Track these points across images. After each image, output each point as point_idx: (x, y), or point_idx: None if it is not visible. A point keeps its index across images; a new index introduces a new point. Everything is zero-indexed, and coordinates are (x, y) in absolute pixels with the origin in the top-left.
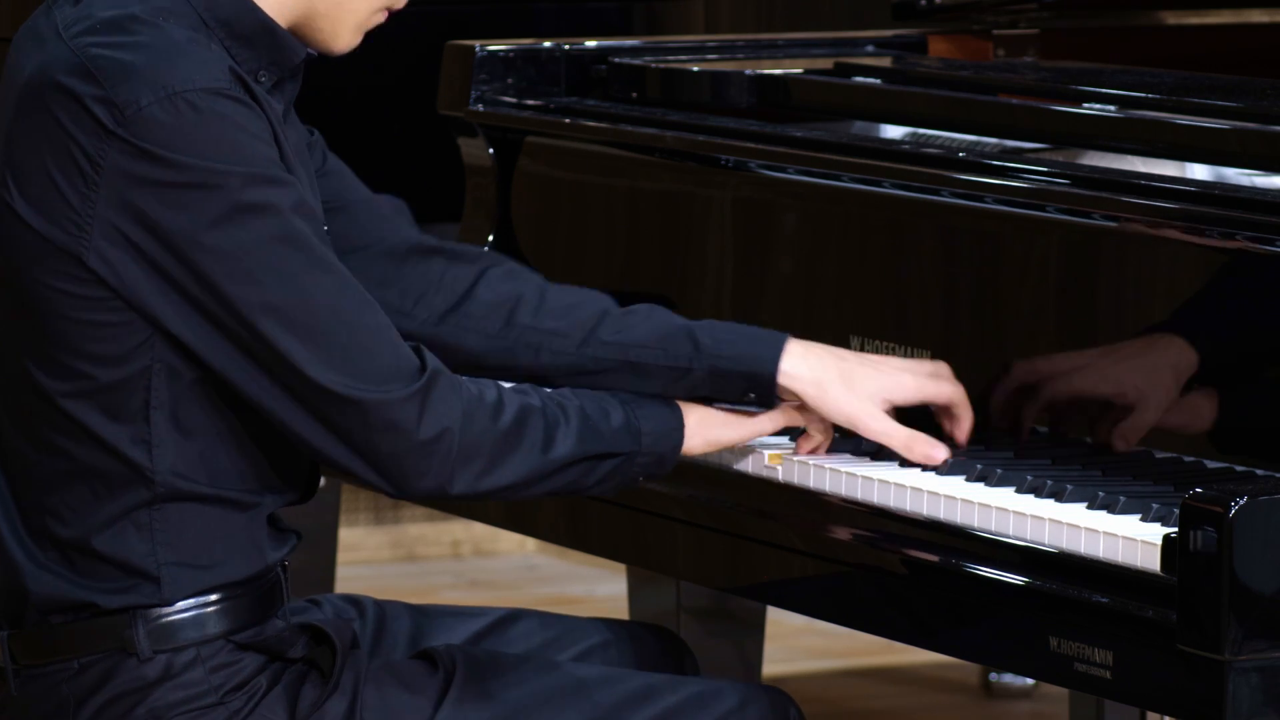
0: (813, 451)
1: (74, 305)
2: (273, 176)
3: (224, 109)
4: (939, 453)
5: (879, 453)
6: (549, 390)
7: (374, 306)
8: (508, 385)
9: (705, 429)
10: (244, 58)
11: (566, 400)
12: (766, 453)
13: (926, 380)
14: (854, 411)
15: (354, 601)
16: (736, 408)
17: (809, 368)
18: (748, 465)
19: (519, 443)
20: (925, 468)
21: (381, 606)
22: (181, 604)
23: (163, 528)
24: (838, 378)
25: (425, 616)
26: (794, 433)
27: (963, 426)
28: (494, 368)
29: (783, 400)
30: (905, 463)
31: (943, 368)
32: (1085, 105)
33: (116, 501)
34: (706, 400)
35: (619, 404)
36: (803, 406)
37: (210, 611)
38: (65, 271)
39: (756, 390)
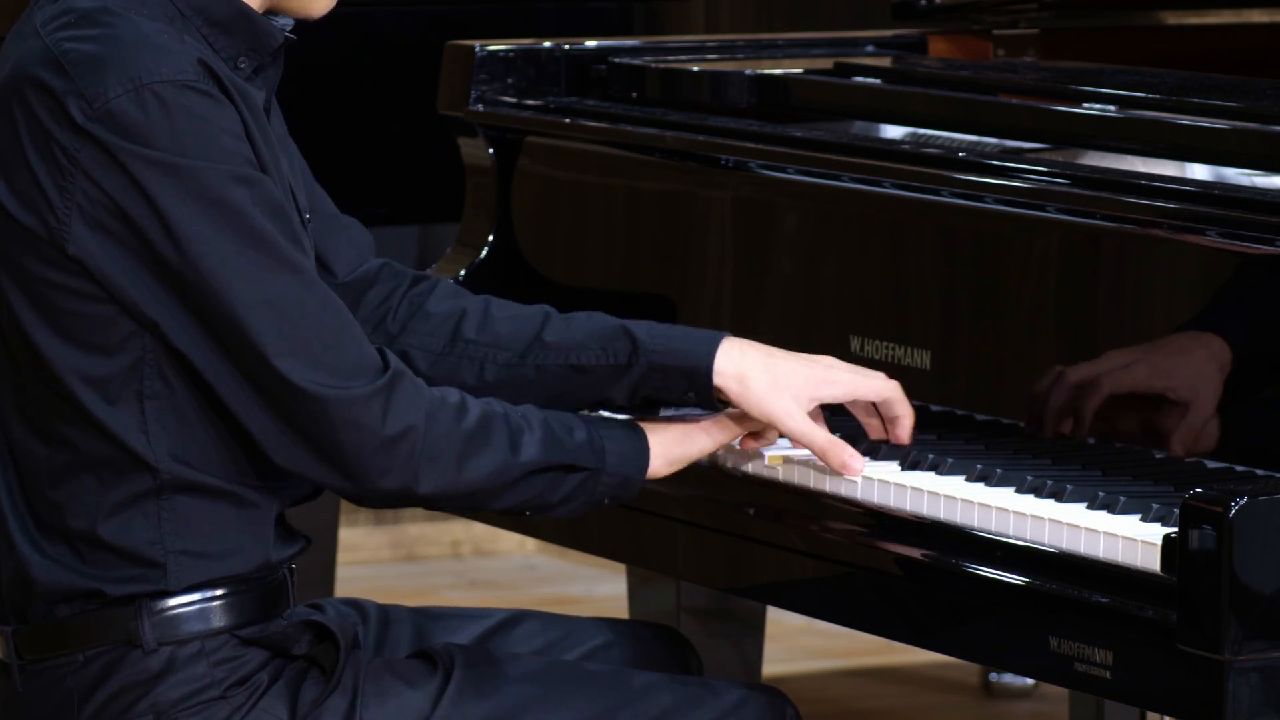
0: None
1: (63, 297)
2: (237, 173)
3: (190, 102)
4: (856, 463)
5: (877, 452)
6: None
7: (338, 304)
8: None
9: (666, 449)
10: (223, 45)
11: (529, 411)
12: (767, 454)
13: (859, 377)
14: (773, 410)
15: (357, 605)
16: (683, 412)
17: (733, 364)
18: (748, 466)
19: (485, 444)
20: (922, 466)
21: (385, 610)
22: (186, 596)
23: (170, 517)
24: (763, 374)
25: (428, 619)
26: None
27: (903, 425)
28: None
29: (721, 400)
30: (905, 463)
31: (890, 381)
32: (1085, 105)
33: (121, 490)
34: (651, 404)
35: (581, 422)
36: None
37: (215, 605)
38: (52, 262)
39: (695, 387)
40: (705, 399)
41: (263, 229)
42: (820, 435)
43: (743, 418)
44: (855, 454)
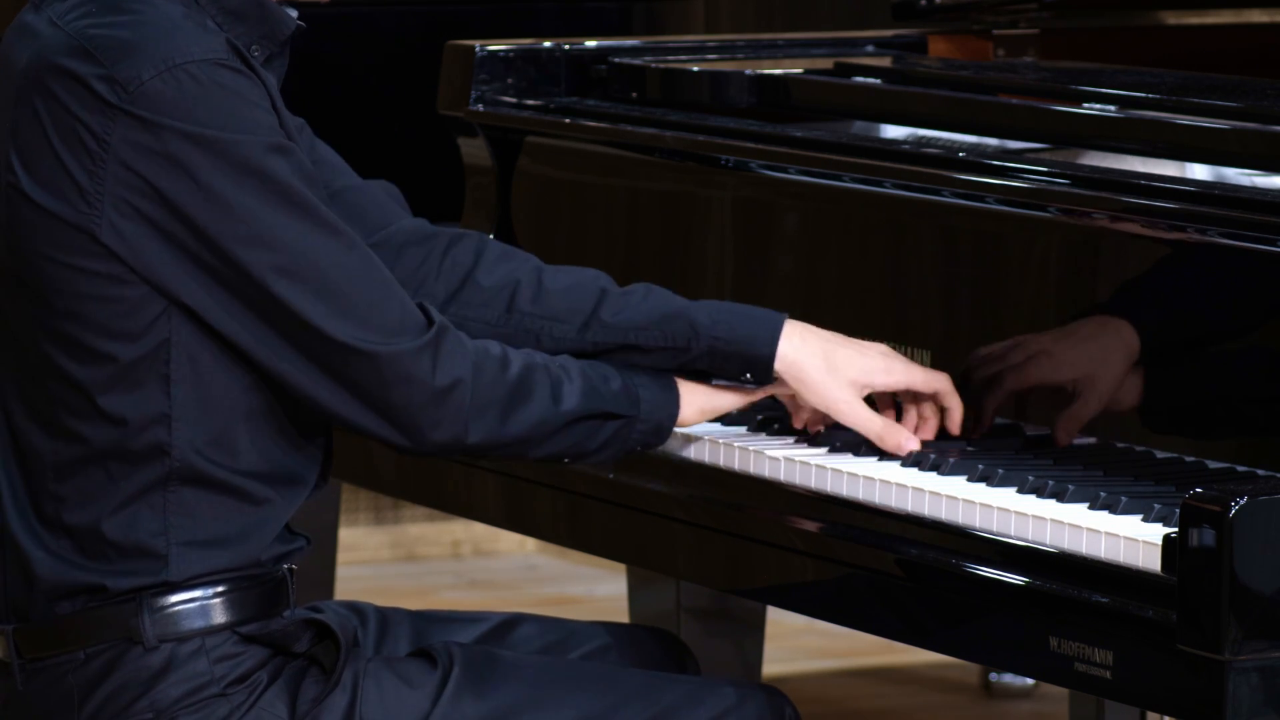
0: (806, 425)
1: (90, 283)
2: (274, 143)
3: (223, 79)
4: (911, 444)
5: (879, 452)
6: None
7: (379, 264)
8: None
9: (696, 398)
10: (237, 33)
11: (566, 361)
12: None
13: (914, 368)
14: (829, 396)
15: (356, 609)
16: (733, 384)
17: (794, 350)
18: (748, 465)
19: (529, 394)
20: (924, 467)
21: (383, 613)
22: (187, 592)
23: (176, 510)
24: (821, 362)
25: (426, 622)
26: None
27: (953, 417)
28: None
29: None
30: (907, 463)
31: (942, 375)
32: (1085, 105)
33: (132, 481)
34: (703, 375)
35: (615, 371)
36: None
37: (215, 602)
38: (80, 249)
39: (753, 371)
40: (763, 381)
41: (303, 195)
42: (876, 421)
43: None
44: (909, 435)
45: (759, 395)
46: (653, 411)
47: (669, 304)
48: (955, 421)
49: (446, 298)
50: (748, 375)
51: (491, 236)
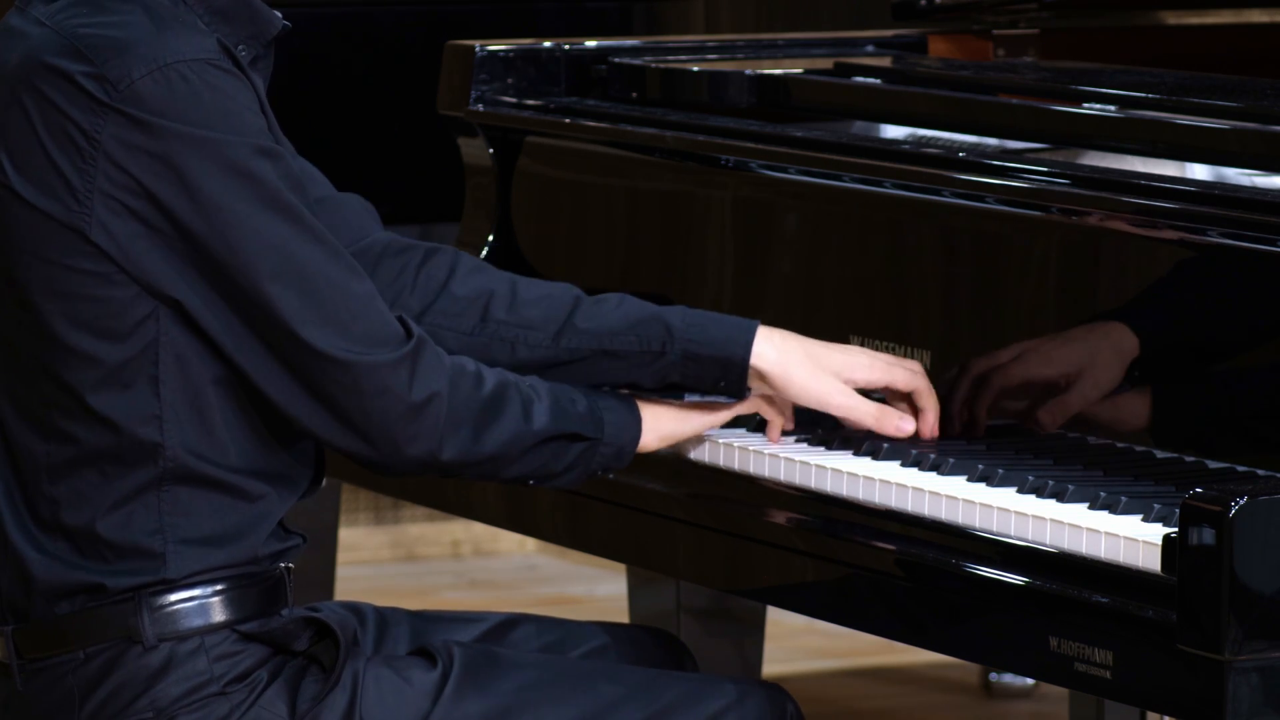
0: (783, 428)
1: (80, 282)
2: (262, 146)
3: (214, 79)
4: (908, 424)
5: (879, 452)
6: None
7: (361, 274)
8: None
9: (659, 424)
10: (224, 33)
11: (535, 381)
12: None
13: (890, 365)
14: (819, 390)
15: (355, 609)
16: (707, 399)
17: (775, 349)
18: (748, 465)
19: (501, 411)
20: (924, 467)
21: (382, 613)
22: (186, 591)
23: (170, 509)
24: (803, 358)
25: (425, 622)
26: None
27: (927, 419)
28: None
29: (749, 388)
30: (907, 463)
31: (914, 365)
32: (1085, 105)
33: (126, 482)
34: (677, 389)
35: (580, 393)
36: (763, 394)
37: (214, 600)
38: (70, 248)
39: (728, 377)
40: (736, 390)
41: (288, 200)
42: (869, 406)
43: (756, 399)
44: (905, 415)
45: (725, 416)
46: (616, 434)
47: (643, 310)
48: (927, 423)
49: (421, 309)
50: (722, 384)
51: (490, 238)
